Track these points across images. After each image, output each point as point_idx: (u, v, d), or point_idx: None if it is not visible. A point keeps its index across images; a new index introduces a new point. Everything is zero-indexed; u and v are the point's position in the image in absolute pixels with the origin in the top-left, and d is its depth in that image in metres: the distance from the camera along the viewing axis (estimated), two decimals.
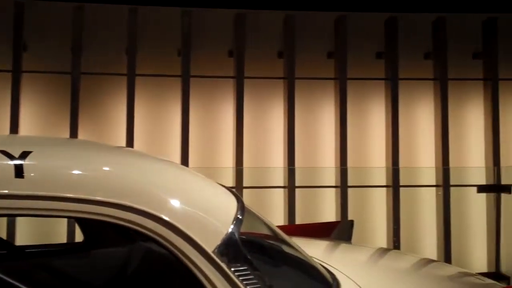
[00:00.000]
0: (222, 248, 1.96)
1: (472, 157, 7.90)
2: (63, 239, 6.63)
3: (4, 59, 7.16)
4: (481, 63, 7.94)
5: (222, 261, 1.93)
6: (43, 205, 1.82)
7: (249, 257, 2.03)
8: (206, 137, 7.61)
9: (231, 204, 2.21)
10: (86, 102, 7.39)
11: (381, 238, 7.60)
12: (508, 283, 7.04)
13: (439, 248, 7.58)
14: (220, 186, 2.39)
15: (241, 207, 2.21)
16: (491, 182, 7.68)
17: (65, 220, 6.25)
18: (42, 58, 7.37)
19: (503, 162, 7.64)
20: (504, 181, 7.51)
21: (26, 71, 7.26)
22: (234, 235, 2.03)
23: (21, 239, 6.89)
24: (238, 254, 2.01)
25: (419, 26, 7.87)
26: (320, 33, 7.83)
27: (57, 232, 6.86)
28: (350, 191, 7.47)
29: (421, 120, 7.92)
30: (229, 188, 2.42)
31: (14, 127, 7.05)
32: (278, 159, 7.62)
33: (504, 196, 7.45)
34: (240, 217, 2.13)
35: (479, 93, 7.97)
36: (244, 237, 2.16)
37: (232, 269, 1.95)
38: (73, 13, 7.30)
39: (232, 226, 2.05)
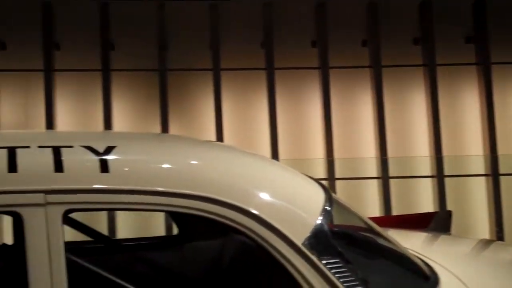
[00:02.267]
0: (311, 240, 1.90)
1: None
2: (162, 233, 6.80)
3: (94, 59, 7.41)
4: None
5: (312, 254, 1.87)
6: (129, 199, 1.83)
7: (340, 249, 1.96)
8: (294, 129, 7.57)
9: (319, 195, 2.15)
10: (175, 98, 7.54)
11: (483, 228, 7.28)
12: None
13: None
14: (307, 178, 2.33)
15: (329, 198, 2.15)
16: None
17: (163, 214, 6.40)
18: (130, 56, 7.58)
19: None
20: None
21: (114, 70, 7.49)
22: (323, 226, 1.97)
23: (122, 233, 7.14)
24: (328, 246, 1.95)
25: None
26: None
27: (156, 225, 7.04)
28: (446, 180, 7.22)
29: None
30: (316, 180, 2.36)
31: (107, 124, 7.30)
32: (369, 149, 7.47)
33: None
34: (329, 209, 2.07)
35: None
36: (333, 228, 2.09)
37: (323, 261, 1.88)
38: (156, 11, 7.47)
39: (320, 218, 1.99)
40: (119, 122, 7.51)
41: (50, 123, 7.31)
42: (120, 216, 7.16)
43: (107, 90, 7.39)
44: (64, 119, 7.58)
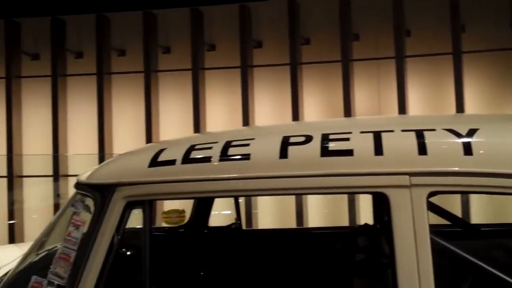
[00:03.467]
0: None
1: None
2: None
3: (444, 42, 7.37)
4: None
5: None
6: (492, 182, 1.79)
7: None
8: None
9: None
10: None
11: None
12: None
13: None
14: None
15: None
16: None
17: None
18: (481, 38, 7.34)
19: None
20: None
21: (466, 52, 7.33)
22: None
23: (476, 218, 7.00)
24: None
25: None
26: None
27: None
28: None
29: None
30: None
31: (460, 107, 7.20)
32: None
33: None
34: None
35: None
36: None
37: None
38: None
39: None
40: (471, 104, 7.33)
41: (402, 108, 7.49)
42: (473, 199, 7.01)
43: (458, 72, 7.27)
44: (416, 104, 7.68)
